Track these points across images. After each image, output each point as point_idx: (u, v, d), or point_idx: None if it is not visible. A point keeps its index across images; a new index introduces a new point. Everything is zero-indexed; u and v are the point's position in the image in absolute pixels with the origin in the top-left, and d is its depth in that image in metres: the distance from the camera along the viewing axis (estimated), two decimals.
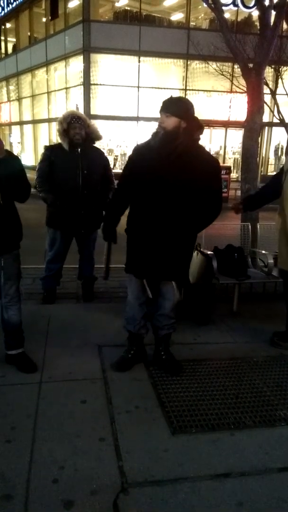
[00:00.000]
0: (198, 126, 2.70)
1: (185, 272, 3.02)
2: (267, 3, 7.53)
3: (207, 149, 2.86)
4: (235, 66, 12.61)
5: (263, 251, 4.30)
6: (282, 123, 12.65)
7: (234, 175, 15.34)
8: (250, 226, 4.58)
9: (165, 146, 2.65)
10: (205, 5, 14.31)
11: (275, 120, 13.46)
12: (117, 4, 17.24)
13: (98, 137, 4.02)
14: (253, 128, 5.38)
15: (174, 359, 3.13)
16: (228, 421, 2.57)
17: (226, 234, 4.54)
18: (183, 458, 2.26)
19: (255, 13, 12.85)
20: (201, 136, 2.81)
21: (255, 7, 14.43)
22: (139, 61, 16.22)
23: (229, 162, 16.86)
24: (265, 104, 7.12)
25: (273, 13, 6.22)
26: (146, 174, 2.71)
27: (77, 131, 3.84)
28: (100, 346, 3.38)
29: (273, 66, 12.18)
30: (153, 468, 2.18)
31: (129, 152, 15.68)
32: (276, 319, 3.92)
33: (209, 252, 3.99)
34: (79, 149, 3.89)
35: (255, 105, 5.48)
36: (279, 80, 12.73)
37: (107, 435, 2.40)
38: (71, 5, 17.63)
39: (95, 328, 3.71)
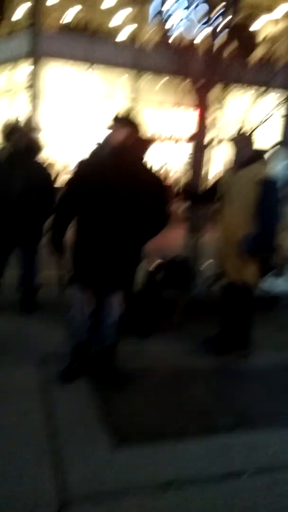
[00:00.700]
0: (146, 141, 2.79)
1: (132, 282, 3.04)
2: (215, 24, 7.86)
3: (153, 163, 2.98)
4: (184, 83, 12.99)
5: (207, 262, 4.41)
6: (227, 139, 13.15)
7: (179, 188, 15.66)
8: (195, 238, 4.70)
9: (113, 157, 2.70)
10: (153, 23, 14.63)
11: (221, 137, 13.96)
12: (67, 15, 17.19)
13: (40, 148, 3.99)
14: (200, 144, 5.58)
15: (118, 370, 3.12)
16: (171, 431, 2.59)
17: (172, 246, 4.62)
18: (126, 469, 2.25)
19: (204, 33, 13.36)
20: (148, 151, 2.90)
21: (204, 27, 15.03)
22: (88, 73, 16.24)
23: (175, 176, 17.22)
24: (212, 121, 7.41)
25: (221, 34, 6.53)
26: (94, 184, 2.74)
27: (17, 141, 3.78)
28: (43, 358, 3.30)
29: (220, 85, 12.64)
30: (95, 481, 2.15)
31: (73, 163, 15.56)
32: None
33: (155, 263, 4.04)
34: (18, 159, 3.82)
35: (203, 122, 5.69)
36: (225, 99, 13.24)
37: (48, 449, 2.33)
38: (20, 10, 17.35)
39: (37, 339, 3.61)
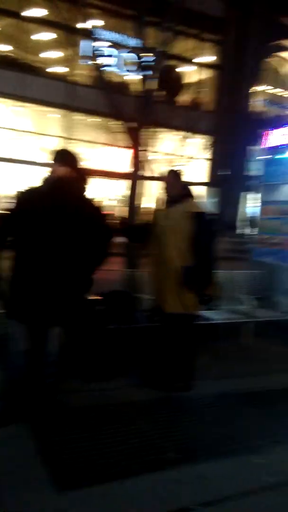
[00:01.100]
0: (85, 176, 2.89)
1: (75, 317, 2.97)
2: (144, 70, 8.27)
3: (91, 197, 3.04)
4: (115, 122, 13.41)
5: (146, 296, 4.44)
6: (157, 177, 13.69)
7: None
8: (133, 271, 4.75)
9: (55, 192, 2.75)
10: (87, 62, 15.10)
11: (152, 174, 14.48)
12: None
13: None
14: (134, 181, 5.76)
15: (60, 409, 2.98)
16: (117, 469, 2.51)
17: (110, 280, 4.61)
18: None
19: (134, 77, 14.06)
20: (88, 184, 2.98)
21: (132, 73, 15.83)
22: (19, 107, 16.23)
23: (111, 209, 17.44)
24: (143, 160, 7.69)
25: (150, 80, 6.90)
26: (35, 218, 2.72)
27: None
28: None
29: (150, 127, 13.27)
30: None
31: (4, 197, 15.24)
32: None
33: (95, 297, 4.00)
34: None
35: (136, 160, 5.90)
36: (156, 140, 13.88)
37: None
38: None
39: None
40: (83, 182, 2.99)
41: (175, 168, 4.49)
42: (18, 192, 2.95)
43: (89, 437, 2.80)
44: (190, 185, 3.96)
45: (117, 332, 4.17)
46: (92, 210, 2.92)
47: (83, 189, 2.98)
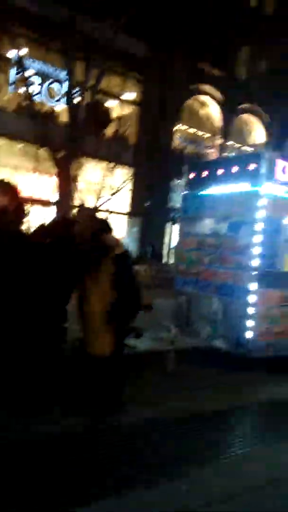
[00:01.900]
0: (23, 207, 2.94)
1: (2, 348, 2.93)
2: (72, 101, 8.49)
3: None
4: (41, 150, 13.32)
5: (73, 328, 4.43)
6: (82, 206, 13.80)
7: None
8: None
9: None
10: (11, 90, 14.98)
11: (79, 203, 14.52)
12: None
13: None
14: (64, 209, 5.84)
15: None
16: (50, 504, 2.48)
17: None
18: None
19: (62, 107, 14.20)
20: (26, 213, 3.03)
21: (59, 103, 15.96)
22: None
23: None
24: (70, 188, 7.82)
25: (78, 111, 7.13)
26: None
27: None
28: None
29: (77, 157, 13.43)
30: None
31: None
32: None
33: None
34: None
35: (65, 189, 6.01)
36: (82, 169, 14.04)
37: None
38: None
39: None
40: (22, 213, 3.01)
41: (85, 206, 4.56)
42: None
43: (17, 474, 2.73)
44: (104, 220, 3.90)
45: (45, 364, 4.12)
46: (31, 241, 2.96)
47: (23, 217, 3.01)
